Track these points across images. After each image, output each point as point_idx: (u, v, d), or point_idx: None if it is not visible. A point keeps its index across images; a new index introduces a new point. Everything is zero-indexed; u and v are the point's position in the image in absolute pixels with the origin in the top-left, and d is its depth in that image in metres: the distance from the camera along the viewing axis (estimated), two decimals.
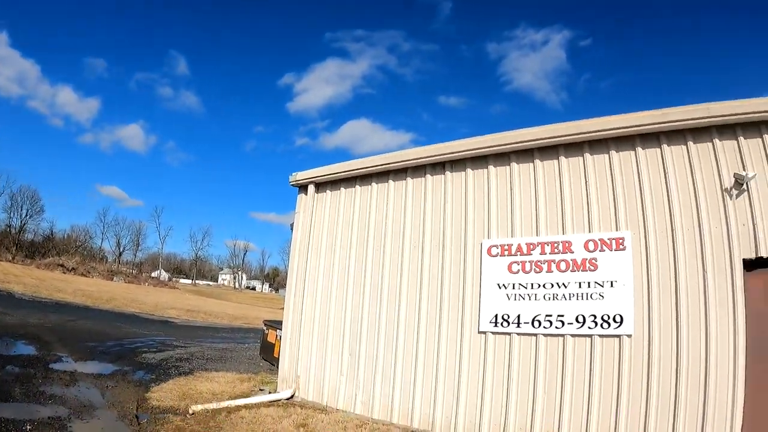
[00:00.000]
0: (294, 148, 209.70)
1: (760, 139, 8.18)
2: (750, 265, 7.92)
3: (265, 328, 16.99)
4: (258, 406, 9.97)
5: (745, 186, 8.03)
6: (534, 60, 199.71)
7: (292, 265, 11.63)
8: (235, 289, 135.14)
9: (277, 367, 11.68)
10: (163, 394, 10.47)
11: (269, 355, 15.52)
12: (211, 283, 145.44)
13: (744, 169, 8.09)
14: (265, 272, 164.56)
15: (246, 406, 9.79)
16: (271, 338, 15.71)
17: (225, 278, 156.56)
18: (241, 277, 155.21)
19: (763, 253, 7.83)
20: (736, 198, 8.10)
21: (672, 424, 7.73)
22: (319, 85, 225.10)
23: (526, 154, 9.39)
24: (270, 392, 11.16)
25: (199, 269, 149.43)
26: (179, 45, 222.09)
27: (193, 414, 9.01)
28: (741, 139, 8.25)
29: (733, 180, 8.14)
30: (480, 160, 9.75)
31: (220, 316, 42.76)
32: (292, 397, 10.90)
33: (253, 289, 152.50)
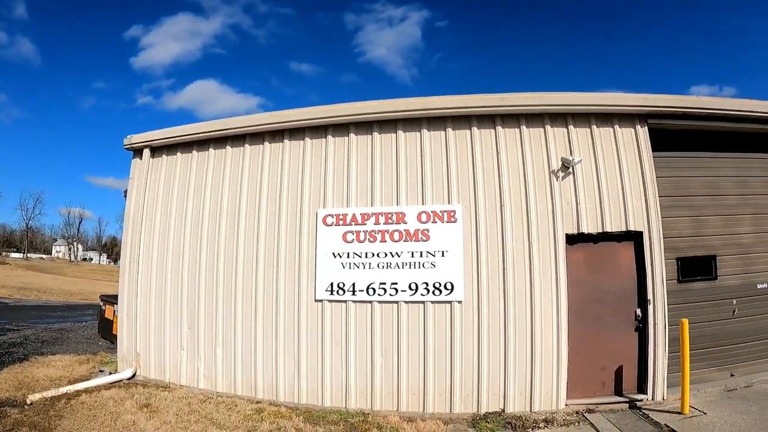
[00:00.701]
0: (135, 107, 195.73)
1: (588, 129, 8.94)
2: (572, 239, 8.66)
3: (101, 303, 15.56)
4: (99, 389, 9.39)
5: (571, 169, 8.71)
6: (390, 35, 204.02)
7: (126, 235, 10.82)
8: (71, 262, 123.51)
9: (117, 346, 10.84)
10: None
11: (108, 332, 14.32)
12: (44, 256, 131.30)
13: (571, 154, 8.75)
14: (103, 242, 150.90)
15: (86, 390, 9.20)
16: (108, 314, 14.47)
17: (60, 250, 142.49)
18: (77, 249, 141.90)
19: (584, 229, 8.60)
20: (563, 179, 8.75)
21: (503, 382, 8.38)
22: (168, 41, 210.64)
23: (365, 126, 9.38)
24: (110, 373, 10.41)
25: (30, 241, 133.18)
26: None
27: (31, 404, 8.34)
28: (571, 127, 8.94)
29: (560, 163, 8.76)
30: (319, 129, 9.60)
31: (56, 293, 39.42)
32: (134, 376, 10.26)
33: (91, 260, 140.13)
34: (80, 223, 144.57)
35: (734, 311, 9.17)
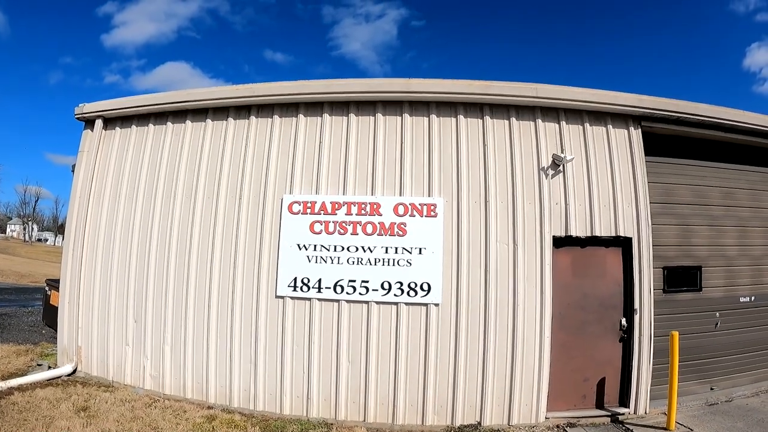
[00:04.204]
0: (103, 86, 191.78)
1: (581, 127, 8.49)
2: (559, 242, 8.18)
3: (47, 288, 14.39)
4: (34, 386, 8.51)
5: (561, 168, 8.23)
6: (366, 30, 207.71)
7: (71, 212, 9.93)
8: (25, 242, 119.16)
9: (58, 337, 10.02)
10: None
11: (53, 320, 13.28)
12: None
13: (563, 152, 8.26)
14: (59, 223, 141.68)
15: (20, 388, 8.32)
16: (54, 301, 13.45)
17: (14, 229, 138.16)
18: (32, 228, 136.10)
19: (573, 232, 8.11)
20: (552, 178, 8.25)
21: (481, 391, 7.89)
22: (142, 20, 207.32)
23: (340, 106, 8.68)
24: (50, 367, 9.65)
25: None
26: None
27: None
28: (563, 123, 8.47)
29: (551, 160, 8.26)
30: (290, 107, 8.83)
31: (6, 274, 37.64)
32: (74, 372, 9.43)
33: (46, 241, 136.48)
34: (36, 202, 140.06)
35: (717, 324, 8.99)
